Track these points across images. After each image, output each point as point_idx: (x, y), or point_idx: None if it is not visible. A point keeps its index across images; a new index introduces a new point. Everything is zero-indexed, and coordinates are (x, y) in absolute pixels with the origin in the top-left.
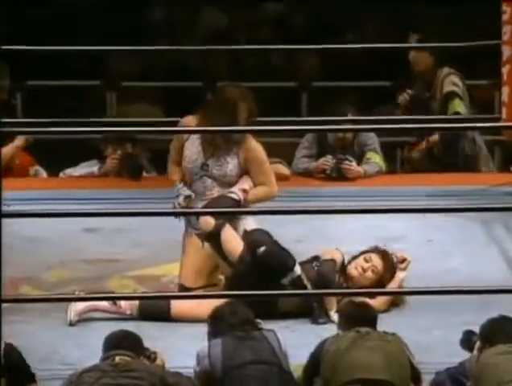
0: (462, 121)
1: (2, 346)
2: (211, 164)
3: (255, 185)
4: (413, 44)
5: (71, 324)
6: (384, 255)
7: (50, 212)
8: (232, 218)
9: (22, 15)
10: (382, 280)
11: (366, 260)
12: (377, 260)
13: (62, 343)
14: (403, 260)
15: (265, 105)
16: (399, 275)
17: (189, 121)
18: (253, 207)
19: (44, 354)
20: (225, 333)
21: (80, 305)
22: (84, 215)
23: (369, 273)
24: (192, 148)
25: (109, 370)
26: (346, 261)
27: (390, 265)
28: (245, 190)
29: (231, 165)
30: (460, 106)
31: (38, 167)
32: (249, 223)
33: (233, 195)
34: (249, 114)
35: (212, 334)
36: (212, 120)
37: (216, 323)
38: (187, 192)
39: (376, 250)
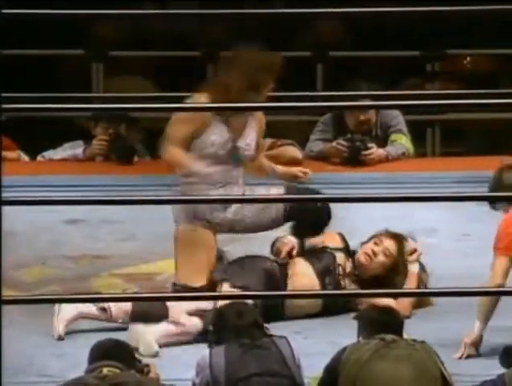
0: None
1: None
2: (241, 146)
3: None
4: (451, 8)
5: (60, 338)
6: (396, 237)
7: (55, 199)
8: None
9: None
10: (397, 267)
11: (376, 243)
12: (388, 242)
13: (39, 353)
14: (413, 252)
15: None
16: (412, 269)
17: (201, 100)
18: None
19: (19, 365)
20: (230, 339)
21: (69, 314)
22: (74, 202)
23: (381, 258)
24: (220, 133)
25: (95, 383)
26: (353, 248)
27: (403, 250)
28: None
29: (254, 142)
30: None
31: (20, 152)
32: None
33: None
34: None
35: (215, 341)
36: (232, 96)
37: (220, 327)
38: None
39: (386, 232)
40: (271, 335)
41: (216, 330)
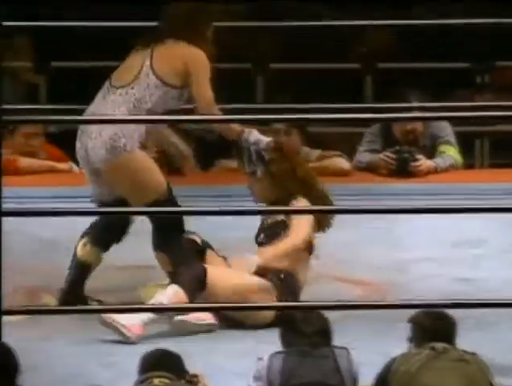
0: None
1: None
2: None
3: None
4: (500, 20)
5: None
6: None
7: (54, 211)
8: None
9: None
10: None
11: None
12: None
13: (88, 362)
14: None
15: (323, 90)
16: None
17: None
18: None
19: (66, 374)
20: (292, 344)
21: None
22: (93, 213)
23: None
24: None
25: None
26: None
27: None
28: None
29: None
30: None
31: (71, 163)
32: None
33: None
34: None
35: (282, 343)
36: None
37: (285, 331)
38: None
39: None
40: (333, 346)
41: (283, 333)
